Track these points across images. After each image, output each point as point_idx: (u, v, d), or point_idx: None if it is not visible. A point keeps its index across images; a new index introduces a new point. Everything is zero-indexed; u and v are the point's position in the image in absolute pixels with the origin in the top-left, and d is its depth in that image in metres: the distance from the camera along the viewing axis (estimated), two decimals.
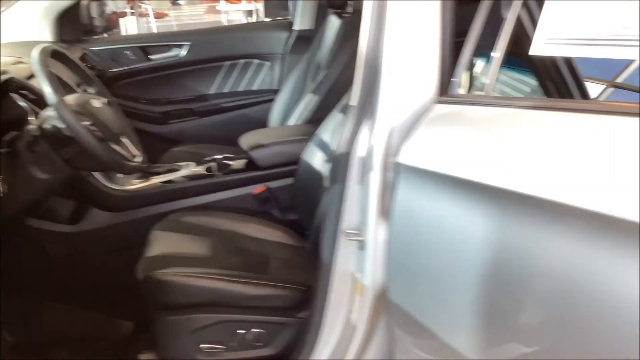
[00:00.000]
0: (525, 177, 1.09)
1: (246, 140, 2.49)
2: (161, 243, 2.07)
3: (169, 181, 2.42)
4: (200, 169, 2.48)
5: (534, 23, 1.57)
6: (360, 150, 1.54)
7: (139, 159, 1.98)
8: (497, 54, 1.33)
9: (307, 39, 3.19)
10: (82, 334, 2.49)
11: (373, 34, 1.47)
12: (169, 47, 3.33)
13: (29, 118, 1.91)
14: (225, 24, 9.39)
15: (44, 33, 2.95)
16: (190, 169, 2.48)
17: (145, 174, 2.43)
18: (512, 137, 1.16)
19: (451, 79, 1.40)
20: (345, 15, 2.76)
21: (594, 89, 1.96)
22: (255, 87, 3.42)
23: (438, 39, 1.42)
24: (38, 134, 1.76)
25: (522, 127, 1.16)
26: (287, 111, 2.90)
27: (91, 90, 2.17)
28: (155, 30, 8.82)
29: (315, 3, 3.31)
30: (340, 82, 2.45)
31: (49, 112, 1.76)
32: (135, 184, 2.39)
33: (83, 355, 2.34)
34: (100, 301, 2.48)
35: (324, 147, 2.17)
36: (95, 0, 3.38)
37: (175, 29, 9.67)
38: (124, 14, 8.46)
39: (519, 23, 1.23)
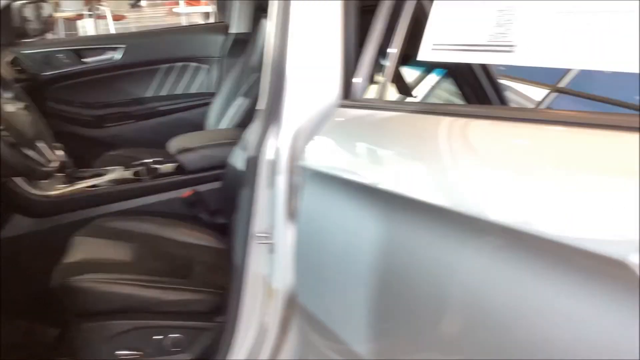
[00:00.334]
0: (411, 181, 1.10)
1: (174, 144, 2.47)
2: (81, 249, 2.03)
3: (95, 186, 2.38)
4: (128, 173, 2.45)
5: None
6: (269, 154, 1.54)
7: (55, 164, 1.94)
8: (392, 56, 1.34)
9: (244, 42, 3.18)
10: (6, 342, 2.43)
11: (278, 36, 1.47)
12: (103, 50, 3.29)
13: None
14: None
15: None
16: (117, 173, 2.45)
17: (70, 178, 2.38)
18: (403, 142, 1.18)
19: (354, 82, 1.41)
20: None
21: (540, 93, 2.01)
22: (193, 90, 3.40)
23: (340, 42, 1.44)
24: None
25: (416, 132, 1.17)
26: (222, 114, 2.89)
27: (7, 94, 2.12)
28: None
29: (251, 5, 3.31)
30: None
31: None
32: (59, 189, 2.35)
33: None
34: (25, 308, 2.42)
35: None
36: (31, 2, 3.31)
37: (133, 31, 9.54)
38: (81, 16, 8.32)
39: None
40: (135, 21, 10.53)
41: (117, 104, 3.35)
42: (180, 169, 2.45)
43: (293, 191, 1.48)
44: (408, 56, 1.42)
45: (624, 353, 0.76)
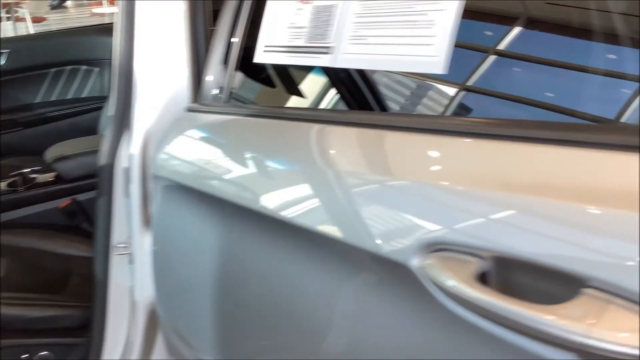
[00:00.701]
0: (243, 189, 1.08)
1: (50, 152, 2.36)
2: None
3: None
4: (3, 185, 2.32)
5: None
6: (123, 161, 1.48)
7: None
8: (232, 57, 1.31)
9: None
10: None
11: (124, 37, 1.42)
12: None
13: None
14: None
15: None
16: None
17: None
18: (240, 149, 1.15)
19: (205, 85, 1.37)
20: None
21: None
22: (84, 94, 3.27)
23: (186, 42, 1.40)
24: None
25: (256, 139, 1.14)
26: None
27: None
28: None
29: None
30: None
31: None
32: None
33: None
34: None
35: None
36: None
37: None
38: None
39: None
40: (56, 23, 10.15)
41: (2, 111, 3.18)
42: (59, 178, 2.34)
43: (147, 200, 1.43)
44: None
45: (405, 349, 0.76)
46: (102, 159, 1.51)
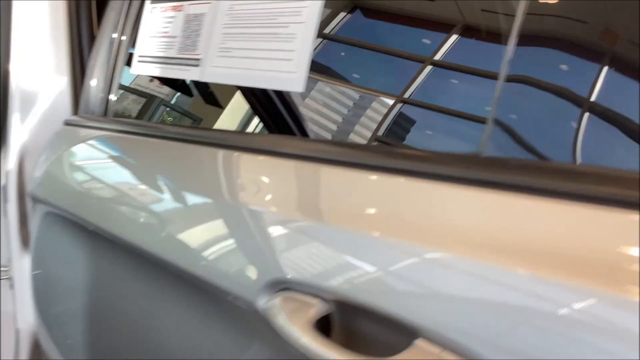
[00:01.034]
0: (101, 214, 0.99)
1: None
2: None
3: None
4: None
5: None
6: (3, 179, 1.37)
7: None
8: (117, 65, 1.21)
9: None
10: None
11: (2, 45, 1.30)
12: None
13: None
14: None
15: None
16: None
17: None
18: (105, 172, 1.05)
19: (89, 96, 1.26)
20: None
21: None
22: None
23: (67, 47, 1.29)
24: None
25: (124, 161, 1.04)
26: None
27: None
28: None
29: None
30: None
31: None
32: None
33: None
34: None
35: None
36: None
37: None
38: None
39: None
40: None
41: None
42: None
43: (25, 220, 1.32)
44: None
45: None
46: None
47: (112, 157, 1.04)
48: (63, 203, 1.11)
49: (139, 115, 1.37)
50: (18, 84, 1.30)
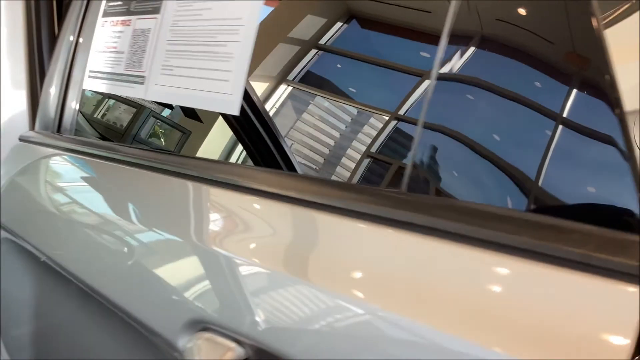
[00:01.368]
0: (43, 240, 0.95)
1: None
2: None
3: None
4: None
5: None
6: None
7: None
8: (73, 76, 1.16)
9: None
10: None
11: None
12: None
13: None
14: None
15: None
16: None
17: None
18: (47, 196, 1.00)
19: (42, 111, 1.22)
20: None
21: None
22: None
23: (25, 54, 1.25)
24: None
25: (67, 185, 1.00)
26: None
27: None
28: None
29: None
30: None
31: None
32: None
33: None
34: None
35: None
36: None
37: None
38: None
39: None
40: None
41: None
42: None
43: None
44: None
45: None
46: None
47: (53, 179, 1.00)
48: (15, 228, 1.07)
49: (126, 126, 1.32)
50: None
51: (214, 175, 0.69)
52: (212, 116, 1.88)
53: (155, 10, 0.89)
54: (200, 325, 0.60)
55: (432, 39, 0.96)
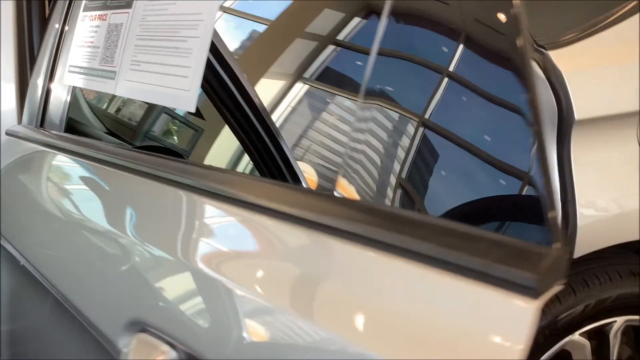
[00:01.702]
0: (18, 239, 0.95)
1: None
2: None
3: None
4: None
5: None
6: None
7: None
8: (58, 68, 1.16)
9: None
10: None
11: None
12: None
13: None
14: None
15: None
16: None
17: None
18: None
19: (28, 104, 1.21)
20: None
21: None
22: None
23: (14, 47, 1.25)
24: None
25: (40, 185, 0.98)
26: None
27: None
28: None
29: None
30: None
31: None
32: None
33: None
34: None
35: None
36: None
37: None
38: None
39: None
40: None
41: None
42: None
43: None
44: None
45: None
46: None
47: (29, 176, 1.00)
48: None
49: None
50: None
51: (170, 175, 0.68)
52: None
53: (128, 5, 0.89)
54: (139, 326, 0.59)
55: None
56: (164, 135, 2.01)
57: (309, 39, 1.69)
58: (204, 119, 1.95)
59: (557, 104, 0.97)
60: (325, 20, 1.59)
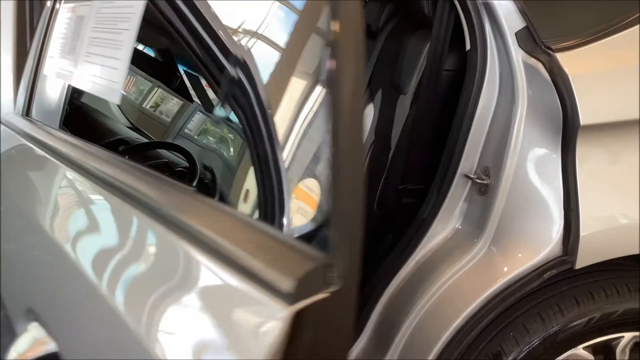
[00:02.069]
0: None
1: None
2: None
3: None
4: None
5: None
6: None
7: None
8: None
9: None
10: None
11: None
12: None
13: None
14: None
15: None
16: None
17: None
18: None
19: (19, 93, 1.25)
20: None
21: None
22: None
23: (11, 43, 1.29)
24: None
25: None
26: None
27: None
28: None
29: None
30: None
31: None
32: None
33: None
34: None
35: None
36: None
37: None
38: None
39: None
40: None
41: None
42: None
43: None
44: None
45: None
46: None
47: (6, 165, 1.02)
48: None
49: None
50: None
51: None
52: None
53: None
54: (33, 316, 0.59)
55: None
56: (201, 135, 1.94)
57: None
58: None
59: (562, 108, 0.94)
60: None
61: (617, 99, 0.98)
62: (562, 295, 1.03)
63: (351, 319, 0.39)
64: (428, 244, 1.08)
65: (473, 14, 0.95)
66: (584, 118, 0.92)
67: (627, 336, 1.10)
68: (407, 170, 1.23)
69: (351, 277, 0.35)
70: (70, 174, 0.74)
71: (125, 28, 0.71)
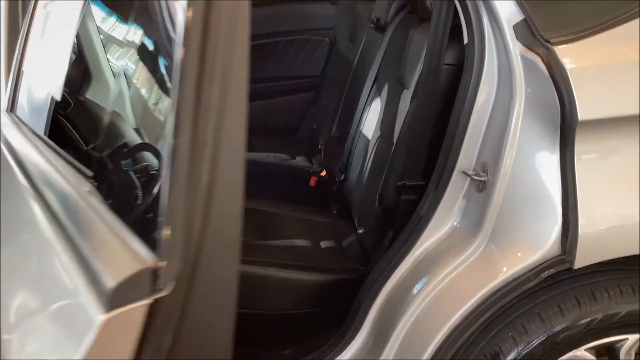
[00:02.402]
0: None
1: None
2: None
3: None
4: None
5: None
6: None
7: None
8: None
9: None
10: None
11: None
12: None
13: None
14: None
15: None
16: None
17: None
18: None
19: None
20: None
21: None
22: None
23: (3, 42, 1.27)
24: None
25: None
26: None
27: None
28: None
29: None
30: None
31: None
32: None
33: None
34: None
35: None
36: None
37: None
38: None
39: None
40: None
41: None
42: None
43: None
44: None
45: None
46: None
47: None
48: None
49: None
50: None
51: None
52: None
53: None
54: None
55: None
56: None
57: None
58: None
59: (560, 103, 0.90)
60: None
61: (616, 93, 0.94)
62: (563, 296, 1.01)
63: (172, 329, 0.35)
64: (426, 242, 1.04)
65: (470, 6, 0.91)
66: (582, 113, 0.89)
67: (632, 338, 1.06)
68: (406, 166, 1.20)
69: (183, 284, 0.32)
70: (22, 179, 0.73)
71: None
